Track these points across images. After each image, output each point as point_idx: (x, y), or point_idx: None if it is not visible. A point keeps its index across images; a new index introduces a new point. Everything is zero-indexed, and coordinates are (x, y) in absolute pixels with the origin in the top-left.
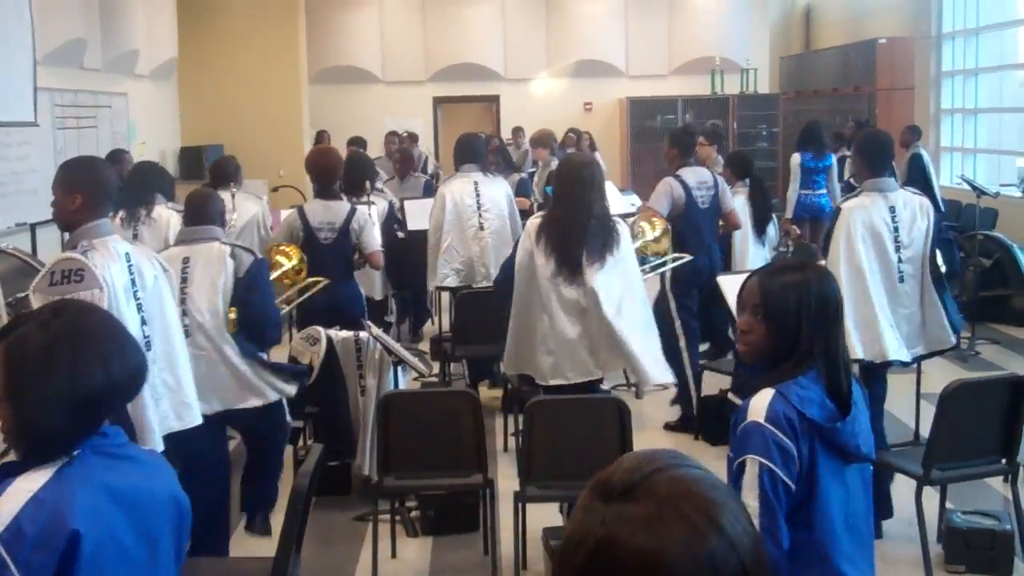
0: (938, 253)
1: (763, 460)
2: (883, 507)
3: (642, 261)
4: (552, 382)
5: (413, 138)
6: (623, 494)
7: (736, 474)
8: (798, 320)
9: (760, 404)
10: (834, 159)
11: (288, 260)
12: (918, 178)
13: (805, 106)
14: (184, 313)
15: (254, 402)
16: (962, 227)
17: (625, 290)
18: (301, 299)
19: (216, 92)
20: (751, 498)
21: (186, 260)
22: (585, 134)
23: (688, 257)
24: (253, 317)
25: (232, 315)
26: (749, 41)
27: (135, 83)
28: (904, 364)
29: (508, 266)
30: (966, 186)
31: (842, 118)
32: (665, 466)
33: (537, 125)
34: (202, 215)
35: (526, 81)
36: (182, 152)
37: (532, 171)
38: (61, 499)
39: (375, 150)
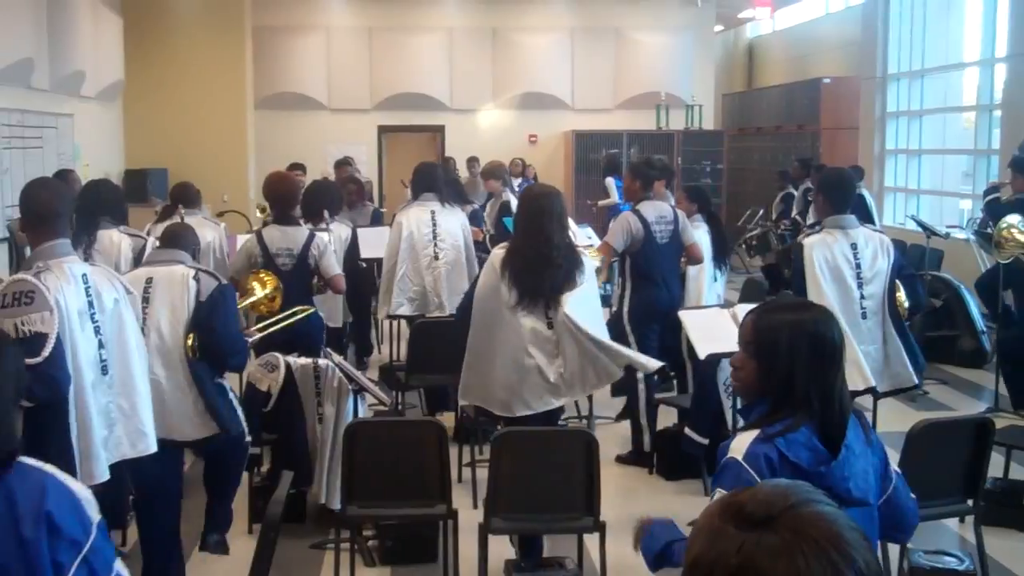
0: (901, 291)
1: None
2: None
3: None
4: (508, 414)
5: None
6: (762, 524)
7: None
8: (789, 361)
9: (742, 442)
10: None
11: (262, 288)
12: (860, 218)
13: (748, 143)
14: (143, 334)
15: (203, 432)
16: None
17: (589, 319)
18: (287, 323)
19: (161, 115)
20: None
21: (149, 280)
22: (529, 167)
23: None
24: (215, 343)
25: (189, 341)
26: (694, 77)
27: (81, 104)
28: (875, 395)
29: (469, 296)
30: (911, 226)
31: (785, 156)
32: (802, 501)
33: (482, 156)
34: (176, 242)
35: (471, 112)
36: (126, 175)
37: (480, 206)
38: None
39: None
